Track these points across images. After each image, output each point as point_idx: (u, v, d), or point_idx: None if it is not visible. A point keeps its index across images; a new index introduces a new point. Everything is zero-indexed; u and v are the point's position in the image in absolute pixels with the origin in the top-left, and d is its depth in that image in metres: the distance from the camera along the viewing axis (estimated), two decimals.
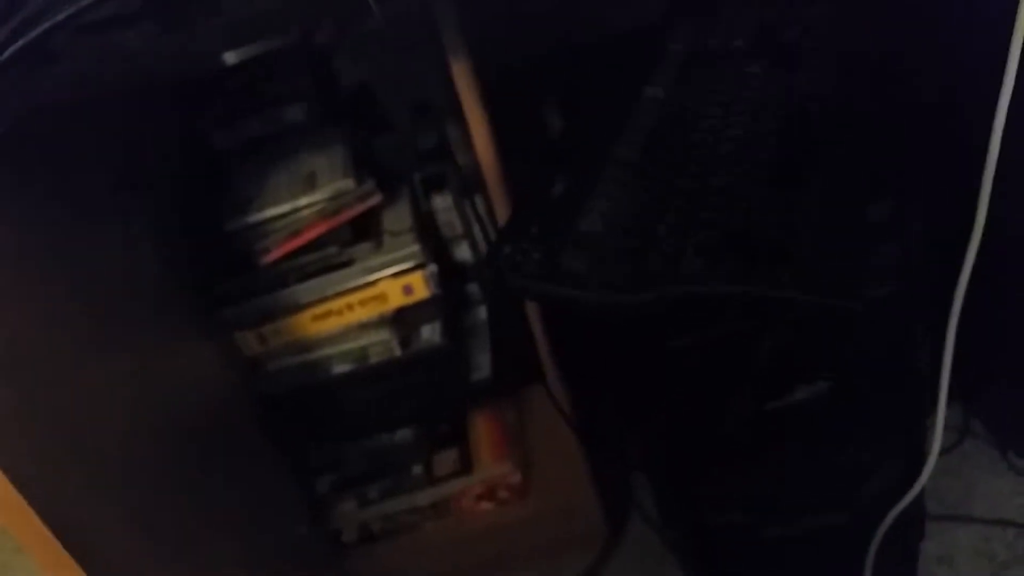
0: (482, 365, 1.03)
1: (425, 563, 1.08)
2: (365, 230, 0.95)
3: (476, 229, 1.05)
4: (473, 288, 1.11)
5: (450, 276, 1.03)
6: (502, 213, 0.84)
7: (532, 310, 0.91)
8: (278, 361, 0.98)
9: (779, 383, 0.69)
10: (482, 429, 1.13)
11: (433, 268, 0.95)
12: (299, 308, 0.95)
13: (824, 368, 0.69)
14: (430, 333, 0.99)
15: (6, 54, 0.54)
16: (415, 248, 0.94)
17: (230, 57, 0.95)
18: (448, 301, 1.01)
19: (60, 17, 0.54)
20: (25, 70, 0.55)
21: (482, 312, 1.11)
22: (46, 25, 0.54)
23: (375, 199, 0.94)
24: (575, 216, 0.61)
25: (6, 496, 0.53)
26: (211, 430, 0.88)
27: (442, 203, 1.02)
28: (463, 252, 1.06)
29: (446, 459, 1.09)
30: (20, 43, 0.54)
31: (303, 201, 0.92)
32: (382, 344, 0.98)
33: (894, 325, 0.69)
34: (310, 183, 0.94)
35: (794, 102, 0.71)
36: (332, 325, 0.96)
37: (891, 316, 0.67)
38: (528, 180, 0.73)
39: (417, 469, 1.08)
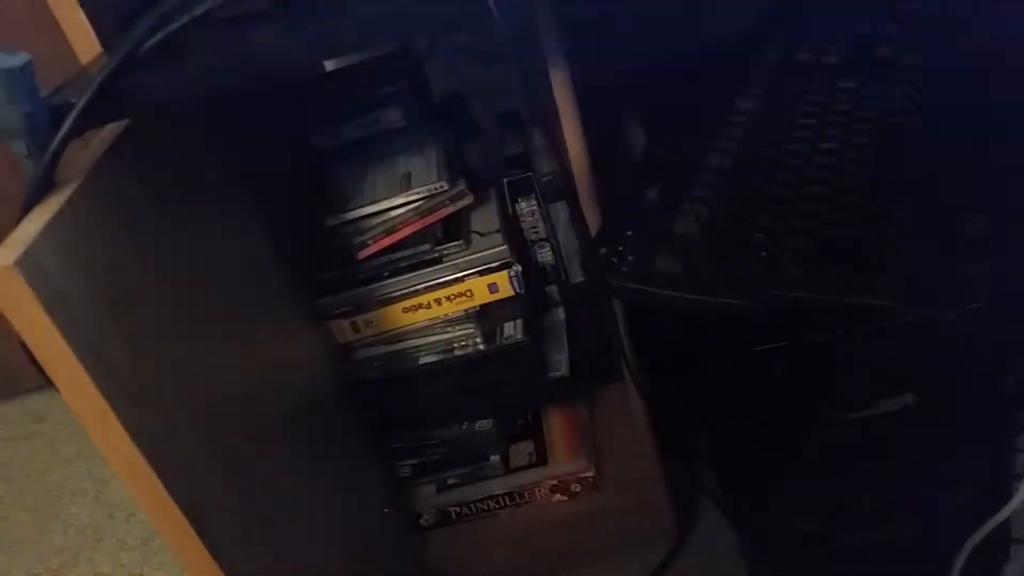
0: (560, 364, 1.06)
1: (498, 550, 1.11)
2: (455, 230, 1.00)
3: (558, 233, 1.09)
4: (552, 290, 1.15)
5: (532, 277, 1.07)
6: (591, 220, 0.87)
7: (612, 311, 0.94)
8: (368, 350, 1.03)
9: (864, 394, 0.69)
10: (557, 424, 1.17)
11: (517, 268, 0.99)
12: (391, 301, 0.99)
13: (911, 382, 0.70)
14: (512, 330, 1.03)
15: (147, 45, 0.56)
16: (501, 248, 0.98)
17: (330, 64, 1.01)
18: (530, 300, 1.04)
19: (198, 12, 0.57)
20: (159, 63, 0.57)
21: (560, 313, 1.14)
22: (185, 19, 0.56)
23: (466, 200, 0.99)
24: (669, 220, 0.62)
25: (129, 457, 0.56)
26: (304, 412, 0.92)
27: (527, 207, 1.06)
28: (544, 255, 1.10)
29: (522, 451, 1.13)
30: (160, 35, 0.56)
31: (399, 200, 0.97)
32: (467, 338, 1.02)
33: (985, 341, 0.68)
34: (406, 183, 0.99)
35: (888, 116, 0.73)
36: (420, 318, 1.01)
37: (983, 332, 0.67)
38: (619, 187, 0.76)
39: (494, 459, 1.12)
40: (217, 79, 0.59)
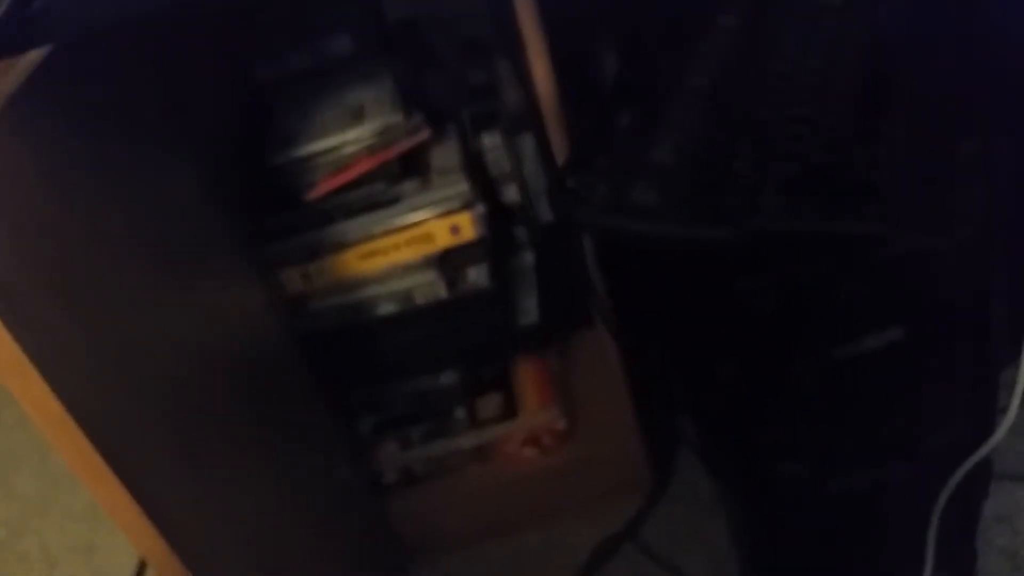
0: (529, 309, 1.02)
1: (467, 507, 1.07)
2: (413, 167, 0.94)
3: (525, 169, 1.02)
4: (520, 231, 1.09)
5: (497, 218, 1.01)
6: (559, 152, 0.81)
7: (582, 251, 0.88)
8: (322, 300, 0.97)
9: (849, 329, 0.66)
10: (527, 374, 1.12)
11: (481, 208, 0.93)
12: (344, 246, 0.93)
13: (896, 315, 0.66)
14: (476, 275, 0.98)
15: None
16: (464, 187, 0.92)
17: None
18: (495, 243, 0.99)
19: None
20: None
21: (529, 256, 1.09)
22: None
23: (424, 135, 0.92)
24: (644, 147, 0.58)
25: (59, 419, 0.53)
26: (254, 368, 0.88)
27: (491, 142, 1.00)
28: (510, 193, 1.04)
29: (490, 403, 1.08)
30: None
31: (350, 135, 0.90)
32: (428, 285, 0.97)
33: (975, 270, 0.65)
34: (357, 117, 0.92)
35: (875, 34, 0.68)
36: (378, 265, 0.95)
37: (973, 260, 0.64)
38: (588, 113, 0.70)
39: (460, 412, 1.07)
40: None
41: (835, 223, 0.51)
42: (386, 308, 0.98)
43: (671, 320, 0.74)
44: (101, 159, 0.67)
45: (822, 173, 0.54)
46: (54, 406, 0.52)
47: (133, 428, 0.61)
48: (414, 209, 0.92)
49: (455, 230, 0.93)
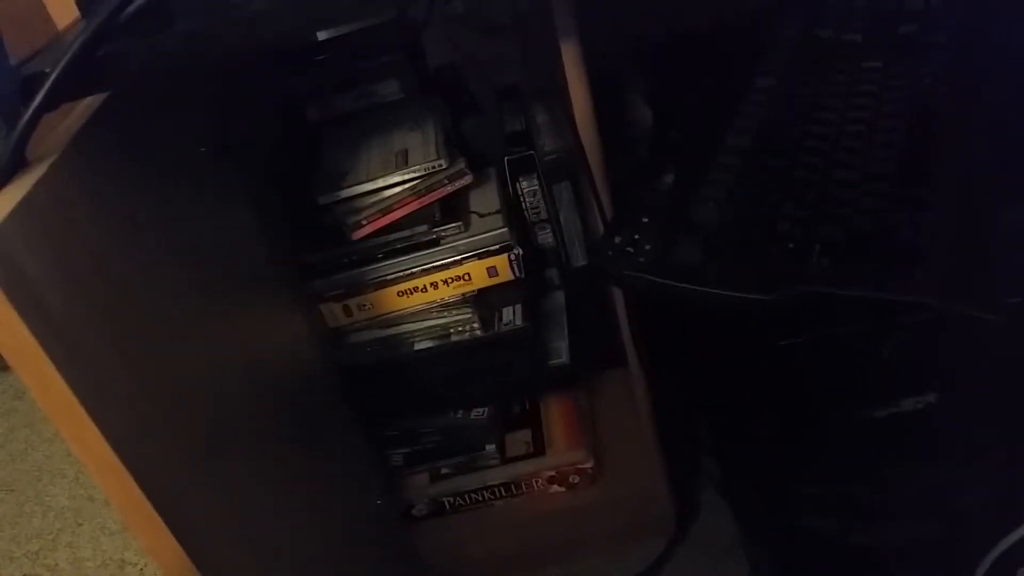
0: (560, 351, 1.03)
1: (494, 541, 1.08)
2: (453, 210, 0.96)
3: (560, 215, 1.05)
4: (552, 273, 1.11)
5: (532, 260, 1.03)
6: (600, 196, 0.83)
7: (614, 296, 0.90)
8: (361, 334, 1.00)
9: (888, 390, 0.67)
10: (556, 413, 1.13)
11: (518, 251, 0.95)
12: (385, 283, 0.96)
13: (934, 378, 0.67)
14: (511, 315, 1.00)
15: (128, 10, 0.53)
16: (502, 231, 0.94)
17: (323, 32, 0.96)
18: (530, 285, 1.01)
19: None
20: (140, 30, 0.54)
21: (560, 297, 1.11)
22: None
23: (466, 179, 0.94)
24: (687, 206, 0.59)
25: (103, 456, 0.52)
26: (294, 398, 0.89)
27: (528, 187, 1.02)
28: (545, 237, 1.07)
29: (519, 440, 1.10)
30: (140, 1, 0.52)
31: (395, 179, 0.92)
32: (464, 323, 0.99)
33: (1016, 339, 0.66)
34: (402, 161, 0.94)
35: (918, 96, 0.69)
36: (416, 302, 0.97)
37: (1016, 328, 0.64)
38: (632, 170, 0.72)
39: (490, 448, 1.09)
40: (202, 47, 0.55)
41: (883, 290, 0.51)
42: (423, 344, 1.00)
43: (708, 372, 0.75)
44: (154, 195, 0.68)
45: (868, 237, 0.54)
46: (105, 452, 0.52)
47: (174, 465, 0.60)
48: (453, 251, 0.94)
49: (492, 271, 0.96)
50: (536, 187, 1.02)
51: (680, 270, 0.55)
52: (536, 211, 1.03)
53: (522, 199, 1.02)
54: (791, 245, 0.55)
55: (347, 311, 0.97)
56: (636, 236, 0.57)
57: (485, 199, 0.99)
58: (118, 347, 0.57)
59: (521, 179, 1.01)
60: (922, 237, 0.54)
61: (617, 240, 0.57)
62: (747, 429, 0.75)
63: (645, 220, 0.59)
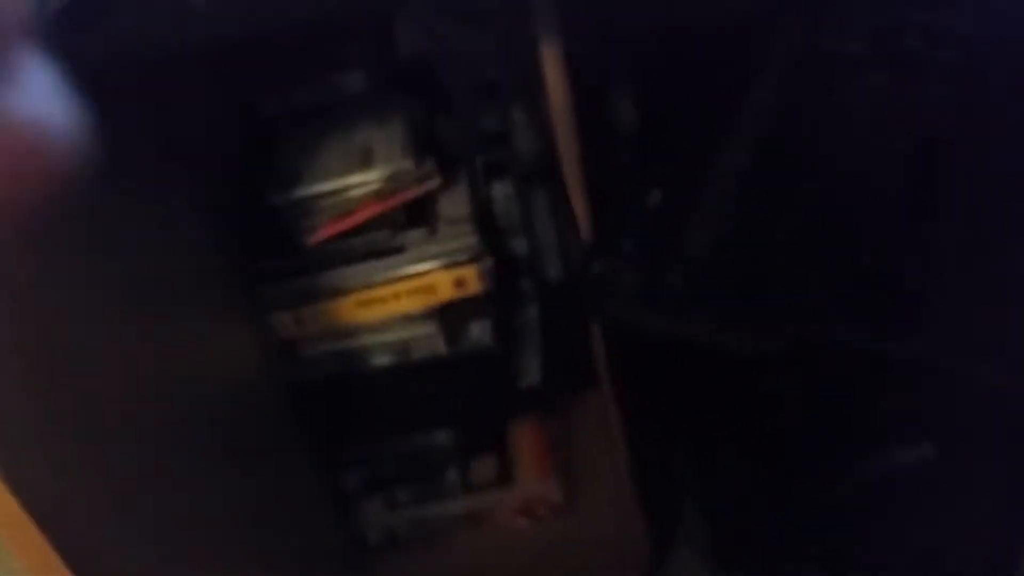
0: (531, 370, 0.98)
1: (452, 575, 1.03)
2: (420, 215, 0.90)
3: (535, 223, 0.98)
4: (525, 282, 1.04)
5: (503, 270, 0.97)
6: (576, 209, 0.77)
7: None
8: (314, 347, 0.94)
9: (881, 442, 0.61)
10: (525, 438, 1.08)
11: (489, 262, 0.89)
12: (342, 293, 0.89)
13: (931, 431, 0.62)
14: (479, 332, 0.94)
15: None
16: (472, 240, 0.88)
17: None
18: (500, 298, 0.95)
19: None
20: (82, 24, 0.52)
21: (533, 310, 1.04)
22: None
23: (434, 183, 0.88)
24: (675, 231, 0.54)
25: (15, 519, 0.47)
26: (236, 416, 0.84)
27: (501, 191, 0.96)
28: (518, 245, 1.00)
29: (484, 467, 1.04)
30: None
31: (357, 179, 0.86)
32: (427, 339, 0.93)
33: (1015, 393, 0.61)
34: (365, 160, 0.88)
35: (925, 122, 0.64)
36: (375, 314, 0.91)
37: (1016, 384, 0.59)
38: (617, 179, 0.66)
39: (452, 475, 1.03)
40: (148, 41, 0.56)
41: (881, 343, 0.47)
42: (381, 359, 0.94)
43: (689, 413, 0.70)
44: (92, 195, 0.64)
45: (871, 279, 0.50)
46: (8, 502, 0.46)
47: (87, 505, 0.55)
48: (419, 260, 0.88)
49: (460, 283, 0.89)
50: (511, 192, 0.95)
51: (665, 309, 0.49)
52: (508, 217, 0.97)
53: (495, 204, 0.96)
54: (787, 281, 0.52)
55: (298, 321, 0.90)
56: (618, 264, 0.51)
57: (455, 204, 0.92)
58: (37, 357, 0.52)
59: (495, 183, 0.95)
60: (925, 283, 0.52)
61: (596, 269, 0.51)
62: (730, 476, 0.69)
63: (628, 246, 0.53)
